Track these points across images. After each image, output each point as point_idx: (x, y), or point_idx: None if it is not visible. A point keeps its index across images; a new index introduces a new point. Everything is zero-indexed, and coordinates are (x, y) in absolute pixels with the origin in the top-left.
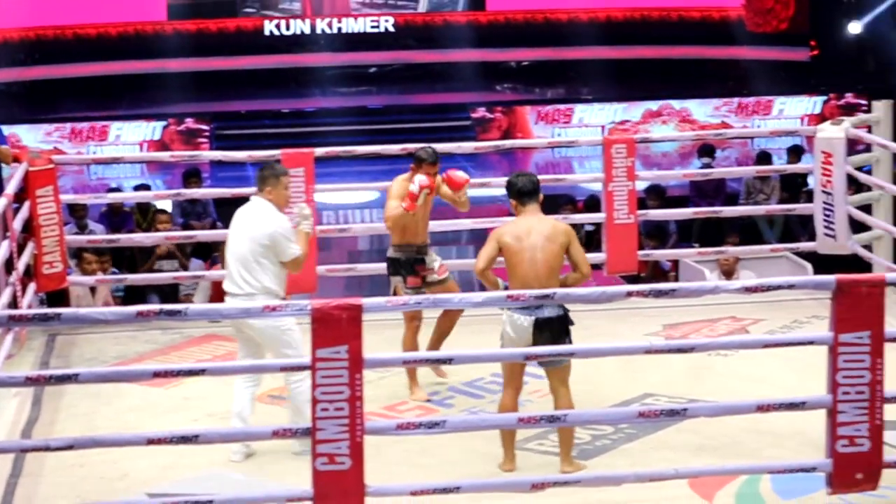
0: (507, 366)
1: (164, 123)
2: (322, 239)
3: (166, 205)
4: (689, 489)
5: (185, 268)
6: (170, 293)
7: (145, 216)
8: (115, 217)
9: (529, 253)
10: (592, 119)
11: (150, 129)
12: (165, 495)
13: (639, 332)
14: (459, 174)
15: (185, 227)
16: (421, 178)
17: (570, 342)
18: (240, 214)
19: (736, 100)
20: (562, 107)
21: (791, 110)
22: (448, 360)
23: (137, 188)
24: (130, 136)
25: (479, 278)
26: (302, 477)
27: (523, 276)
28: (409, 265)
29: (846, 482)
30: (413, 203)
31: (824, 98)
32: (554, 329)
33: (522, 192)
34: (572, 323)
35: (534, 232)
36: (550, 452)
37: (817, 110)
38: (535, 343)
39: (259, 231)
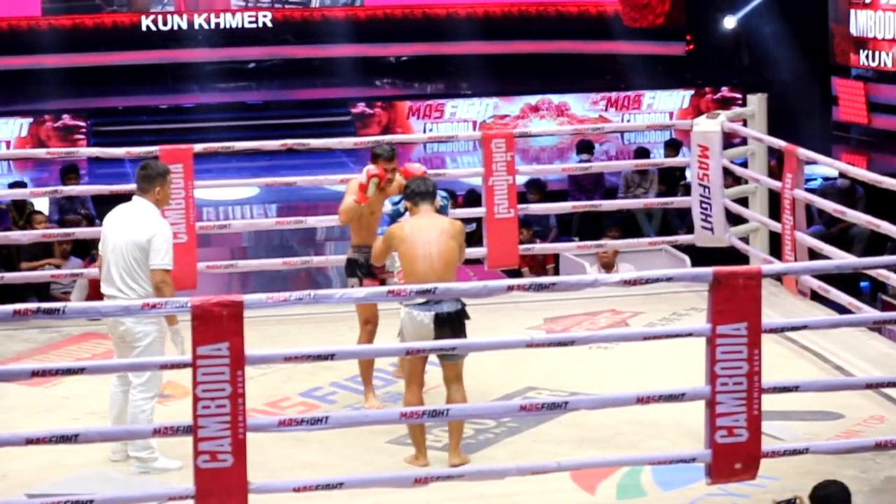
0: (407, 363)
1: (30, 120)
2: (202, 236)
3: (42, 202)
4: (571, 482)
5: (57, 266)
6: (42, 291)
7: (21, 214)
8: None
9: (424, 248)
10: (464, 114)
11: (18, 126)
12: (45, 495)
13: (520, 325)
14: (415, 165)
15: (62, 224)
16: (369, 167)
17: (465, 336)
18: (119, 215)
19: (607, 95)
20: (434, 102)
21: (660, 105)
22: (329, 356)
23: (13, 185)
24: None
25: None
26: (184, 475)
27: (420, 272)
28: (366, 267)
29: (725, 472)
30: (363, 194)
31: (692, 92)
32: (454, 323)
33: (415, 193)
34: (468, 317)
35: (427, 228)
36: (433, 447)
37: (686, 104)
38: (437, 338)
39: (143, 235)
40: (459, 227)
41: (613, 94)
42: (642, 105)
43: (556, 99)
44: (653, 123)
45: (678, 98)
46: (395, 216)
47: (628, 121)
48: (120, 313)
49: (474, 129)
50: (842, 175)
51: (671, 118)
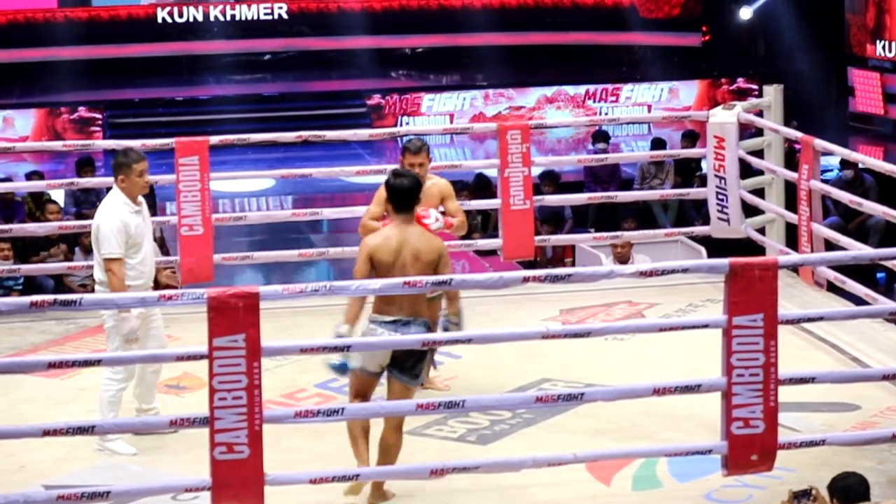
0: (354, 381)
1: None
2: (218, 227)
3: (58, 194)
4: (587, 473)
5: (68, 258)
6: (56, 284)
7: (39, 204)
8: (7, 208)
9: (399, 272)
10: (441, 107)
11: (33, 118)
12: (62, 487)
13: (536, 317)
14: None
15: (79, 216)
16: (437, 216)
17: (432, 362)
18: None
19: (587, 88)
20: (410, 95)
21: (638, 97)
22: (346, 348)
23: (29, 175)
24: None
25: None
26: (200, 466)
27: (393, 295)
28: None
29: (741, 464)
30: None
31: (670, 85)
32: (415, 353)
33: (393, 197)
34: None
35: (408, 247)
36: (449, 438)
37: (664, 97)
38: (395, 360)
39: (94, 225)
40: (437, 248)
41: (593, 87)
42: (620, 98)
43: (571, 90)
44: (668, 115)
45: (656, 91)
46: None
47: (606, 113)
48: (136, 304)
49: (451, 122)
50: (844, 166)
51: (649, 111)
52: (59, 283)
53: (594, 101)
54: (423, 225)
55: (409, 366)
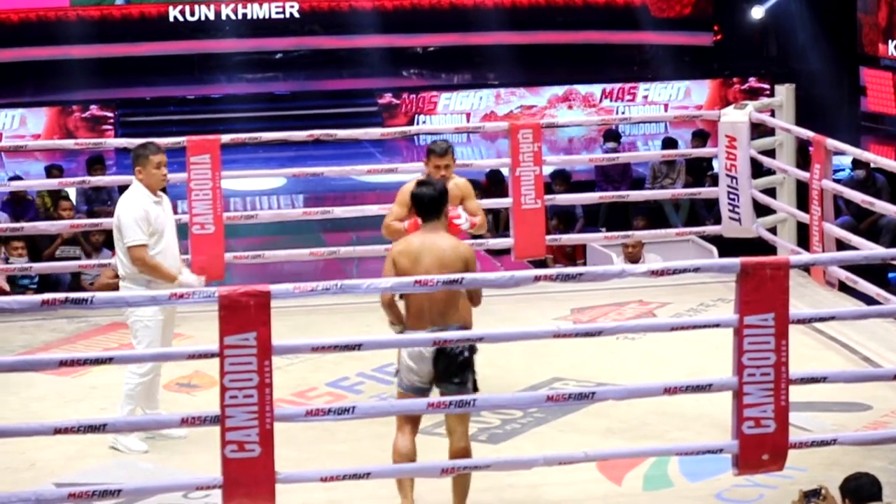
0: (402, 398)
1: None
2: (229, 226)
3: (70, 192)
4: (598, 472)
5: (88, 255)
6: (72, 281)
7: (54, 200)
8: (19, 206)
9: None
10: (458, 106)
11: (45, 117)
12: (73, 485)
13: (547, 316)
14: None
15: (91, 214)
16: (466, 217)
17: (474, 374)
18: None
19: (597, 86)
20: (427, 94)
21: (654, 97)
22: (357, 346)
23: (49, 168)
24: None
25: (384, 309)
26: (212, 465)
27: (418, 304)
28: None
29: (752, 463)
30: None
31: (686, 84)
32: (457, 359)
33: (417, 207)
34: (476, 351)
35: (431, 255)
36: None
37: (681, 96)
38: (436, 374)
39: (115, 217)
40: (462, 256)
41: (609, 87)
42: (637, 97)
43: (582, 89)
44: (680, 115)
45: (673, 90)
46: None
47: (622, 112)
48: (148, 303)
49: (468, 121)
50: (856, 166)
51: (666, 110)
52: (75, 280)
53: (611, 101)
54: (453, 226)
55: (454, 376)
